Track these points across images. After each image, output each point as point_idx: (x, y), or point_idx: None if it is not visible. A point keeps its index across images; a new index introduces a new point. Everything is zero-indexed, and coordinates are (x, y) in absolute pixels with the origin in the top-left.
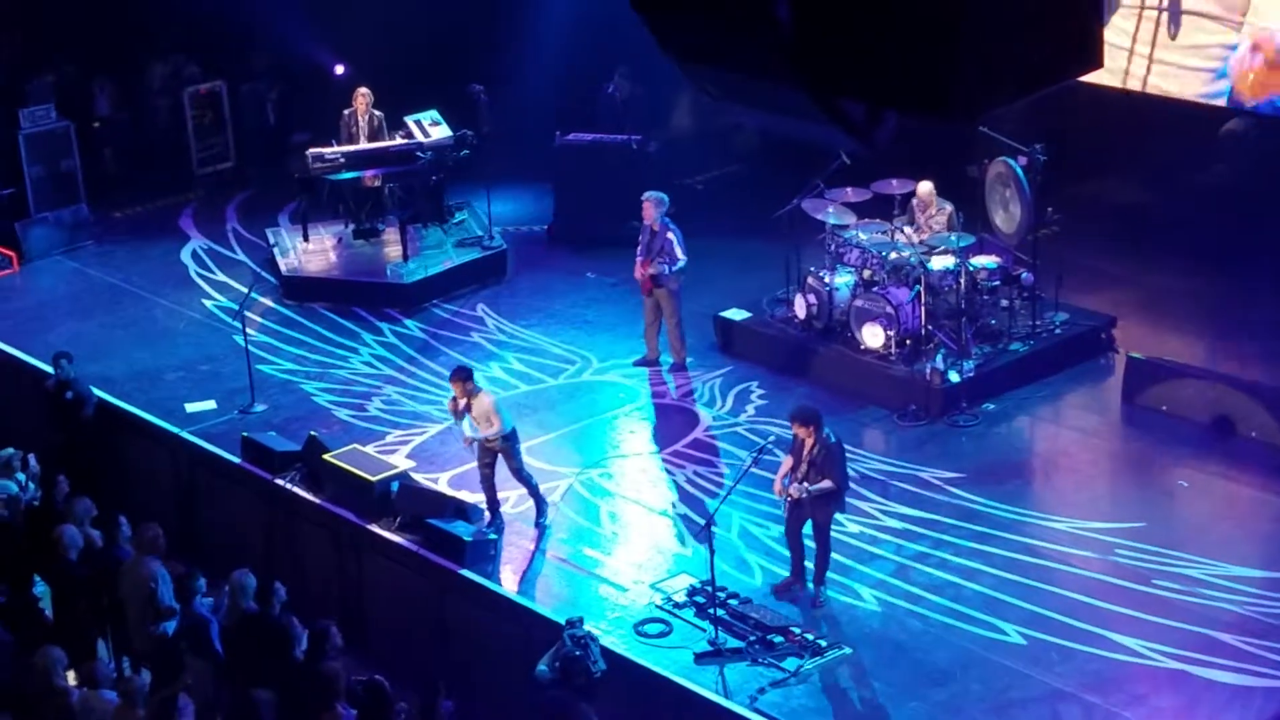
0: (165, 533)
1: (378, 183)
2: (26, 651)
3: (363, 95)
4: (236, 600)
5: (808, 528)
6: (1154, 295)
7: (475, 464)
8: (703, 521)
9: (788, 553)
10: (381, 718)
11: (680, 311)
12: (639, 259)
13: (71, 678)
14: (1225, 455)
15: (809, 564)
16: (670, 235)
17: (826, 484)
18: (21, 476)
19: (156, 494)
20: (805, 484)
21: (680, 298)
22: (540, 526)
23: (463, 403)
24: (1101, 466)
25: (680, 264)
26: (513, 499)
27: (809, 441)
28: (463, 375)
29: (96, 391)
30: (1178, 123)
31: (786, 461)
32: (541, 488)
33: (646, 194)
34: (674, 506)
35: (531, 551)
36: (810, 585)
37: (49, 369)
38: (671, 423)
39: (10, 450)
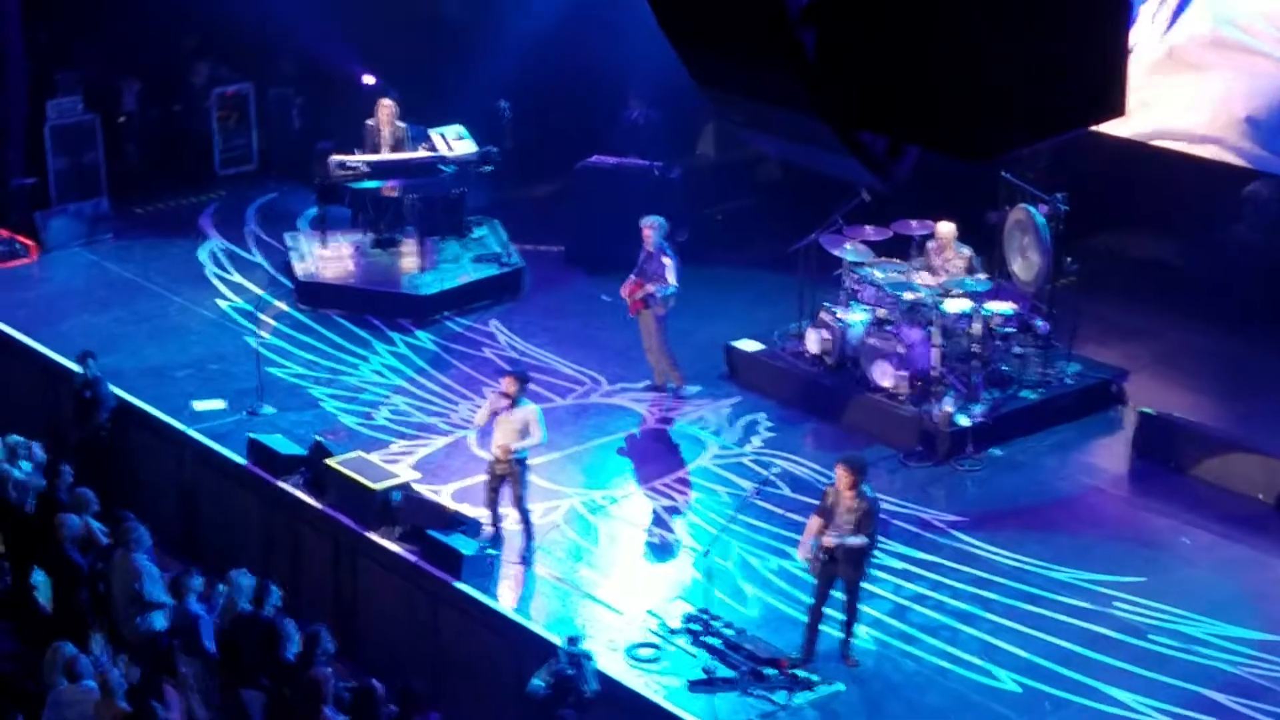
0: (167, 529)
1: (397, 193)
2: (26, 641)
3: (386, 106)
4: (232, 599)
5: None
6: (1169, 351)
7: (480, 479)
8: (701, 549)
9: (803, 616)
10: None
11: (665, 334)
12: (631, 278)
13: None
14: (1230, 515)
15: (826, 629)
16: (666, 260)
17: (862, 539)
18: (26, 465)
19: (160, 490)
20: (841, 537)
21: (666, 323)
22: (525, 557)
23: (504, 404)
24: (1104, 519)
25: (671, 289)
26: (514, 517)
27: (847, 494)
28: (523, 377)
29: (112, 388)
30: (1200, 180)
31: (813, 522)
32: (544, 506)
33: (646, 218)
34: (674, 533)
35: (530, 570)
36: (838, 644)
37: (61, 359)
38: (677, 449)
39: (17, 437)
